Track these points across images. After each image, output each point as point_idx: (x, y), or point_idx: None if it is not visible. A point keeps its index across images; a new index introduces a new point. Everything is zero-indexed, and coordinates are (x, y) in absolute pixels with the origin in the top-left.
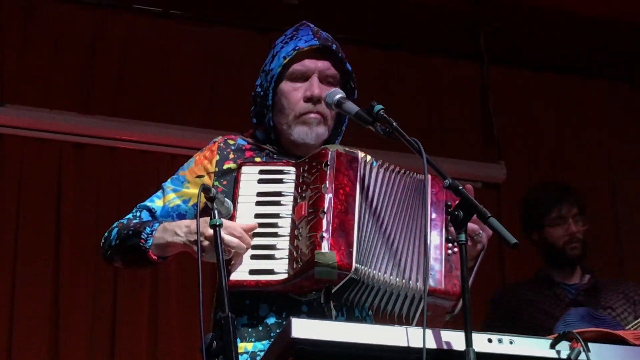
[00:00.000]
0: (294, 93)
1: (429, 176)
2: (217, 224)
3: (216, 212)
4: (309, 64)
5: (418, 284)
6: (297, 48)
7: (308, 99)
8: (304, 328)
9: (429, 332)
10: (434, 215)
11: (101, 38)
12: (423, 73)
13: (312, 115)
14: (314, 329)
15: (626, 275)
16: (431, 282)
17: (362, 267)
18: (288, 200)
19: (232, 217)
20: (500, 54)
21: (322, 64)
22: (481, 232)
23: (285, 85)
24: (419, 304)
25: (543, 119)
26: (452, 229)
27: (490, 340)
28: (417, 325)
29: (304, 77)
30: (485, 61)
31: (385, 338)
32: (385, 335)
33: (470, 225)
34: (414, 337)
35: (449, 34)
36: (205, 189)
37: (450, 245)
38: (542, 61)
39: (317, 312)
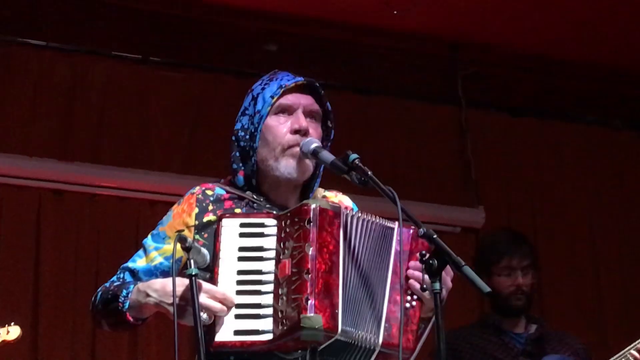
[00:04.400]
0: (280, 127)
1: (395, 224)
2: (193, 273)
3: (192, 261)
4: (294, 99)
5: (375, 336)
6: (282, 86)
7: (295, 131)
8: None
9: None
10: (397, 266)
11: (80, 84)
12: (401, 117)
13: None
14: None
15: (605, 317)
16: (385, 336)
17: (347, 328)
18: (270, 255)
19: (214, 274)
20: (479, 98)
21: (307, 100)
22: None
23: (271, 120)
24: (372, 354)
25: (521, 163)
26: (411, 281)
27: None
28: None
29: (289, 111)
30: (464, 105)
31: None
32: None
33: (427, 279)
34: None
35: (427, 78)
36: (180, 239)
37: (409, 298)
38: (520, 105)
39: None
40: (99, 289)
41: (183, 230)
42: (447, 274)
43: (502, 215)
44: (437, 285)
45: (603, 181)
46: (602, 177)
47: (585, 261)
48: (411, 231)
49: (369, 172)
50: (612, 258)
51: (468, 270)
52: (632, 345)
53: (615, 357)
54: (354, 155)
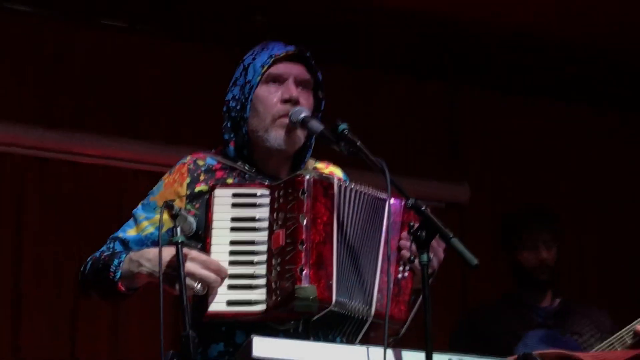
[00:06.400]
0: (270, 97)
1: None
2: (179, 241)
3: (178, 229)
4: (284, 68)
5: (366, 307)
6: (273, 55)
7: (286, 101)
8: (265, 347)
9: (389, 352)
10: (389, 237)
11: (66, 52)
12: (389, 92)
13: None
14: (276, 347)
15: (586, 282)
16: (378, 307)
17: (341, 299)
18: (263, 226)
19: (206, 244)
20: (467, 75)
21: (298, 69)
22: (432, 256)
23: (261, 90)
24: (364, 325)
25: (508, 140)
26: (403, 252)
27: None
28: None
29: (279, 80)
30: (453, 82)
31: (347, 357)
32: (346, 354)
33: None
34: (374, 356)
35: (416, 53)
36: (167, 206)
37: (401, 269)
38: (509, 83)
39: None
40: (88, 259)
41: (174, 200)
42: (439, 245)
43: (487, 192)
44: (424, 257)
45: (589, 161)
46: (587, 157)
47: (569, 238)
48: (403, 202)
49: (358, 142)
50: (594, 238)
51: (456, 242)
52: (634, 322)
53: (617, 334)
54: (343, 125)
